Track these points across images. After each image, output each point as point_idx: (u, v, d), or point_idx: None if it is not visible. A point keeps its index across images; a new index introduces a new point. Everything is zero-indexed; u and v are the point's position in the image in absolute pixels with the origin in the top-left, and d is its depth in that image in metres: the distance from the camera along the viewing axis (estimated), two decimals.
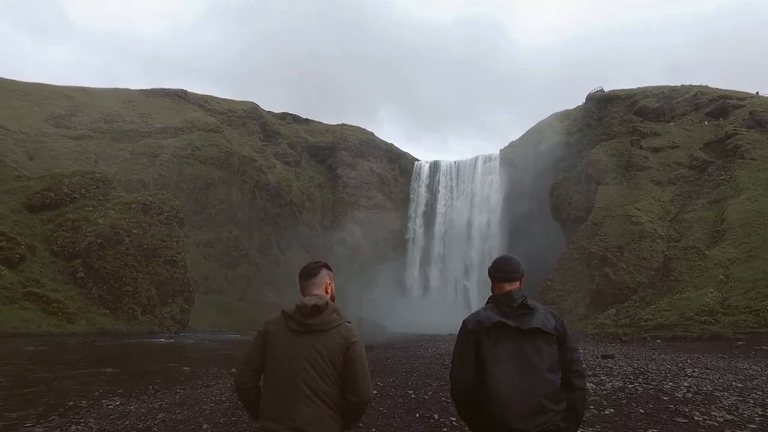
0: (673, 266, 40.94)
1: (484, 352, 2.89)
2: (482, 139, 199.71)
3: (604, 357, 19.17)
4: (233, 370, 15.46)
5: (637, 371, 13.91)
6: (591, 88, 72.94)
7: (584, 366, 3.45)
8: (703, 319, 31.94)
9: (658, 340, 31.19)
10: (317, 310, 2.79)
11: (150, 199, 37.86)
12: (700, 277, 38.94)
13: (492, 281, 3.15)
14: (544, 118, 72.97)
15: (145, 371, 14.65)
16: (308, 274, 3.03)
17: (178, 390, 11.32)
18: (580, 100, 71.75)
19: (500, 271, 3.10)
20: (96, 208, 35.81)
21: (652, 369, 14.52)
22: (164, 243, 36.01)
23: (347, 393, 2.76)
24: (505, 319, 2.93)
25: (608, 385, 11.18)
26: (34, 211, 35.05)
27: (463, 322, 3.07)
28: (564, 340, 2.97)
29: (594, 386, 11.05)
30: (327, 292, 3.02)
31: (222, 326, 48.31)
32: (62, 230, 34.10)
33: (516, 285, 3.08)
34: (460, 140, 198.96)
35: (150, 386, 11.67)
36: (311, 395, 2.69)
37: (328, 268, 3.11)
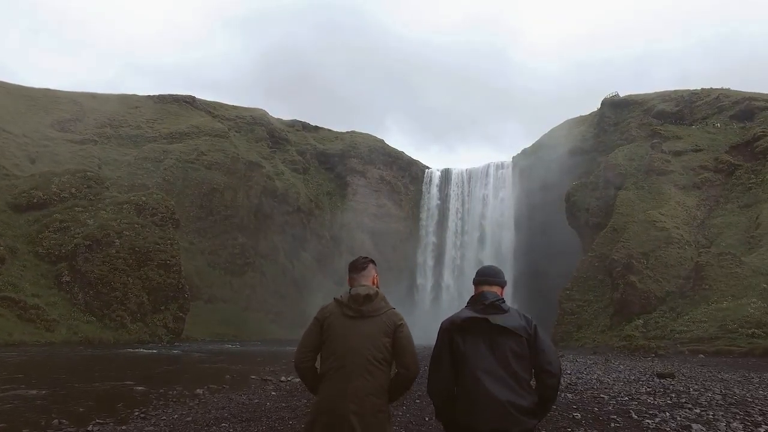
0: (705, 274, 36.68)
1: (457, 352, 2.94)
2: (491, 149, 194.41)
3: (660, 376, 15.15)
4: (198, 391, 11.75)
5: (734, 400, 9.97)
6: (598, 95, 69.13)
7: (561, 363, 3.06)
8: (750, 331, 27.67)
9: (701, 355, 26.97)
10: (369, 298, 3.08)
11: (144, 199, 34.36)
12: (737, 285, 34.64)
13: (474, 285, 3.21)
14: (557, 124, 69.24)
15: (80, 393, 10.99)
16: (357, 267, 3.30)
17: (92, 426, 7.62)
18: (591, 108, 68.10)
19: (480, 275, 3.23)
20: (86, 208, 32.45)
21: (748, 396, 10.56)
22: (158, 246, 32.43)
23: (399, 366, 3.07)
24: (477, 314, 2.97)
25: (722, 426, 7.28)
26: (20, 211, 31.79)
27: (441, 323, 3.11)
28: (535, 341, 2.96)
29: (705, 430, 7.13)
30: (373, 283, 3.29)
31: (225, 336, 44.62)
32: (48, 231, 30.74)
33: (494, 290, 3.13)
34: (468, 150, 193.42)
35: (58, 420, 8.00)
36: (362, 371, 2.95)
37: (374, 263, 3.39)
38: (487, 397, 2.78)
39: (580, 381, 14.11)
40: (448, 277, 66.00)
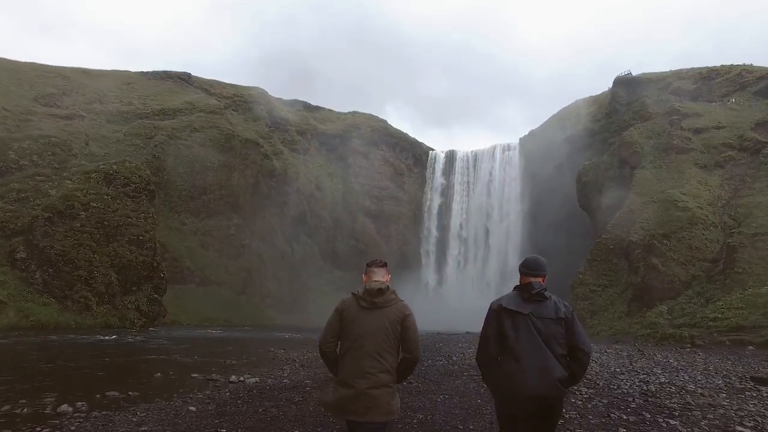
0: (738, 256, 31.85)
1: (504, 332, 3.40)
2: (492, 133, 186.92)
3: (760, 382, 10.39)
4: (66, 407, 7.12)
5: None
6: (602, 80, 63.78)
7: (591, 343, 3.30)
8: None
9: (750, 347, 22.23)
10: (381, 292, 3.48)
11: (114, 167, 29.60)
12: None
13: (520, 275, 3.63)
14: (566, 105, 64.01)
15: None
16: (375, 264, 3.69)
17: None
18: (595, 92, 62.64)
19: (527, 267, 3.62)
20: (49, 177, 27.89)
21: None
22: (130, 219, 27.73)
23: (404, 352, 3.47)
24: (523, 306, 3.43)
25: None
26: None
27: (491, 304, 3.57)
28: (571, 324, 3.41)
29: None
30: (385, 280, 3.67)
31: (216, 321, 40.25)
32: (4, 202, 26.15)
33: (539, 280, 3.54)
34: (470, 135, 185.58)
35: None
36: (375, 355, 3.36)
37: (386, 266, 3.74)
38: (526, 369, 3.22)
39: (656, 388, 9.35)
40: (452, 262, 61.35)
